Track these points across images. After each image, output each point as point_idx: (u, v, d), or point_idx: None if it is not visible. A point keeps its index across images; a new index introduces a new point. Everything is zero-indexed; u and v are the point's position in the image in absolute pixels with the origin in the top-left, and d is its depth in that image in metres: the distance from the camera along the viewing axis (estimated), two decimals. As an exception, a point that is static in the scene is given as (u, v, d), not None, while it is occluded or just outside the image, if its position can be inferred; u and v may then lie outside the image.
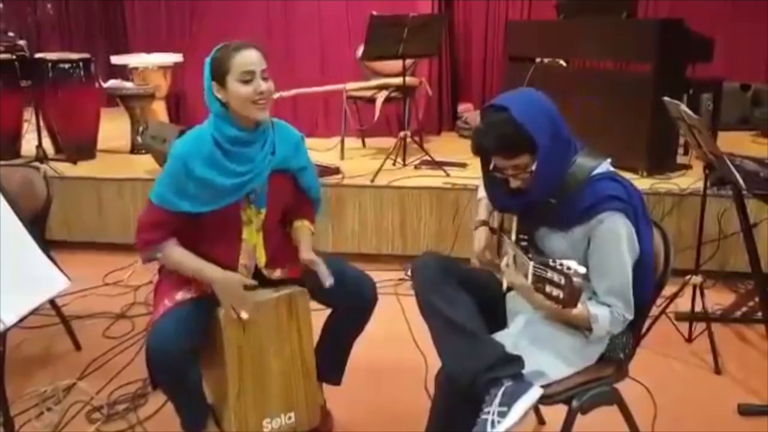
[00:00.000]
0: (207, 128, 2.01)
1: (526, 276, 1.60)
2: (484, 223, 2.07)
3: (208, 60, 1.99)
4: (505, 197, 1.89)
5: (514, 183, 1.78)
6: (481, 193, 2.14)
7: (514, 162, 1.73)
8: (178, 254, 2.03)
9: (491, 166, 1.81)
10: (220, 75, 1.94)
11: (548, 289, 1.50)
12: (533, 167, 1.72)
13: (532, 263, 1.56)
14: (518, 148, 1.71)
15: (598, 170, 1.78)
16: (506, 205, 1.95)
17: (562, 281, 1.45)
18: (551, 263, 1.49)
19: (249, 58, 1.94)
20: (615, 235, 1.72)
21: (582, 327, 1.76)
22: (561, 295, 1.45)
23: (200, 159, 1.96)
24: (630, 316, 1.77)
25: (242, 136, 1.98)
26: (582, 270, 1.45)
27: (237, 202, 2.03)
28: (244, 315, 2.00)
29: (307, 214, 2.25)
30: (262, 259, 2.14)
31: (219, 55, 1.96)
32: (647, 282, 1.82)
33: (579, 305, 1.56)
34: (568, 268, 1.45)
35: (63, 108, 4.53)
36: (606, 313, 1.73)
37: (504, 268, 1.74)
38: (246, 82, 1.92)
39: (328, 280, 2.04)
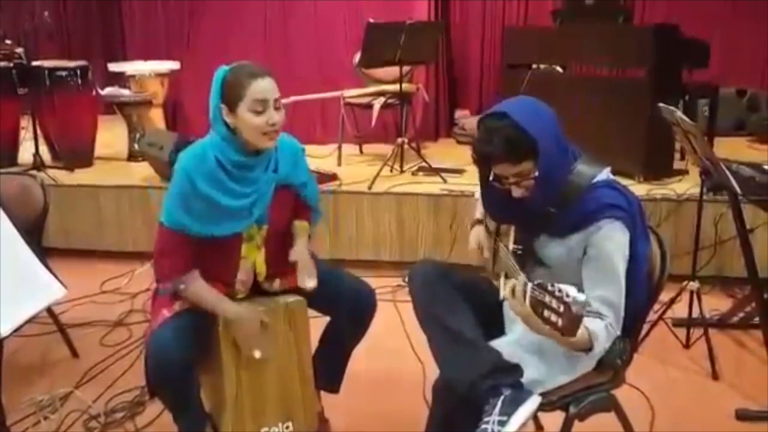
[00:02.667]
0: (210, 147, 1.96)
1: (524, 296, 1.56)
2: (480, 221, 2.07)
3: (218, 79, 1.93)
4: (505, 209, 1.87)
5: (517, 192, 1.74)
6: (479, 193, 2.14)
7: (517, 169, 1.70)
8: (200, 288, 1.99)
9: (491, 177, 1.78)
10: (231, 100, 1.90)
11: (546, 314, 1.46)
12: (536, 173, 1.70)
13: (530, 285, 1.53)
14: (522, 153, 1.67)
15: (599, 178, 1.78)
16: (506, 217, 1.93)
17: (561, 308, 1.42)
18: (550, 288, 1.45)
19: (263, 87, 1.90)
20: (611, 243, 1.71)
21: (581, 349, 1.67)
22: (560, 323, 1.42)
23: (203, 176, 1.93)
24: (618, 332, 1.73)
25: (247, 161, 1.96)
26: (581, 298, 1.40)
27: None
28: (257, 354, 2.00)
29: (304, 218, 2.24)
30: (262, 273, 2.14)
31: (232, 80, 1.91)
32: (642, 289, 1.81)
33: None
34: (567, 296, 1.41)
35: (60, 115, 4.53)
36: (602, 328, 1.68)
37: (508, 296, 1.65)
38: (258, 112, 1.89)
39: (308, 283, 2.04)
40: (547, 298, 1.45)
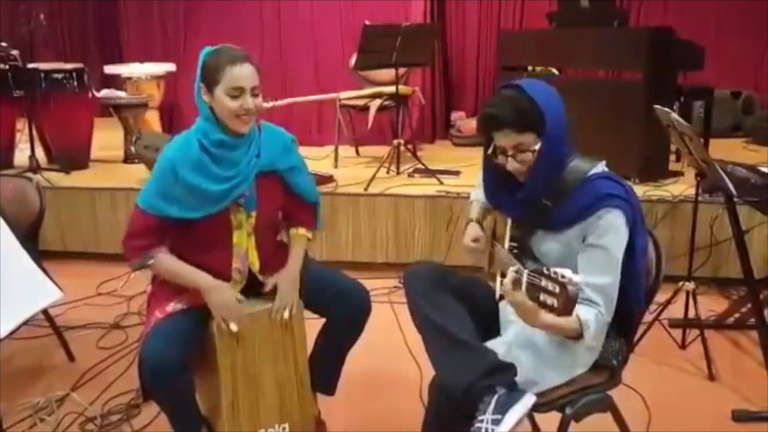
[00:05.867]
0: (194, 133, 2.01)
1: (519, 284, 1.58)
2: (478, 221, 2.08)
3: (202, 57, 1.97)
4: (504, 195, 1.88)
5: (512, 165, 1.76)
6: (474, 196, 2.15)
7: (520, 139, 1.72)
8: (170, 263, 2.03)
9: (491, 149, 1.79)
10: (209, 81, 1.94)
11: (542, 297, 1.48)
12: (537, 146, 1.71)
13: (526, 271, 1.55)
14: (528, 123, 1.70)
15: (594, 171, 1.78)
16: (504, 205, 1.93)
17: (557, 289, 1.43)
18: (545, 271, 1.47)
19: (241, 74, 1.92)
20: (611, 233, 1.70)
21: (572, 336, 1.70)
22: (555, 304, 1.44)
23: (189, 164, 1.96)
24: (609, 318, 1.73)
25: (228, 140, 1.98)
26: (577, 278, 1.42)
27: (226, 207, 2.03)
28: (234, 327, 2.00)
29: (305, 220, 2.25)
30: (255, 263, 2.14)
31: (212, 62, 1.94)
32: (640, 283, 1.80)
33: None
34: (563, 276, 1.43)
35: (56, 118, 4.53)
36: (593, 317, 1.68)
37: (506, 286, 1.64)
38: (234, 97, 1.92)
39: (281, 315, 2.08)
40: (543, 282, 1.47)
